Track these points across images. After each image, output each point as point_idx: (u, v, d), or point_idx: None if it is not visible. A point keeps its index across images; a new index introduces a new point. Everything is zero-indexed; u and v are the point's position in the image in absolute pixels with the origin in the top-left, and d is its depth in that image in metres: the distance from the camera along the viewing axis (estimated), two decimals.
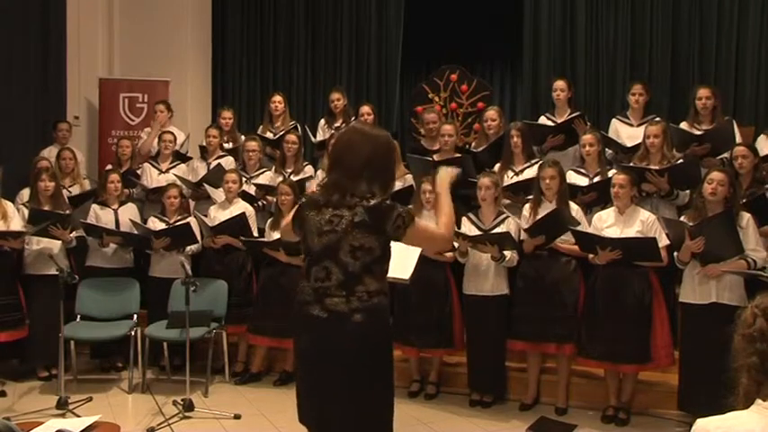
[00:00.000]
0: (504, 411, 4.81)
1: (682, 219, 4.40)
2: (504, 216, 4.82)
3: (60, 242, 5.36)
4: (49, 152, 6.39)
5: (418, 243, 2.69)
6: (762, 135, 5.19)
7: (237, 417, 4.62)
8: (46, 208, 5.35)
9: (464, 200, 5.34)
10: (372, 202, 2.50)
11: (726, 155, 4.90)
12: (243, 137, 6.54)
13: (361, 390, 2.52)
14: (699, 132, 5.07)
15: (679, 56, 6.38)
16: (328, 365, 2.51)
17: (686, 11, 6.35)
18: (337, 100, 6.43)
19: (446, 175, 2.79)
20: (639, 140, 5.10)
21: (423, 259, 4.39)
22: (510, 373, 4.99)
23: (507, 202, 5.16)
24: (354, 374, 2.51)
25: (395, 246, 4.34)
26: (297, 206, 2.76)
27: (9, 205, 5.27)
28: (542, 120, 5.79)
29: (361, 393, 2.53)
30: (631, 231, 4.44)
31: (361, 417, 2.54)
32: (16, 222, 5.21)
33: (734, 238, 4.04)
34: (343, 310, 2.50)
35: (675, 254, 4.27)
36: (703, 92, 5.21)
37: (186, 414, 4.60)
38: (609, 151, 5.39)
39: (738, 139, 5.06)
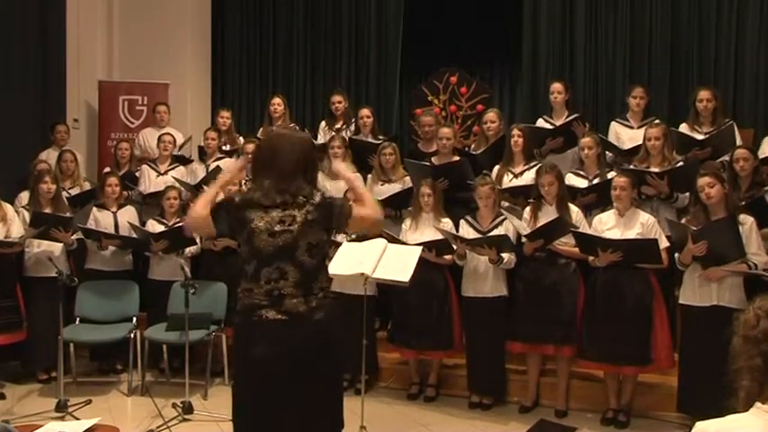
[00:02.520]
0: (503, 413, 4.80)
1: (683, 221, 4.40)
2: (501, 218, 4.82)
3: (62, 244, 5.37)
4: (47, 155, 6.39)
5: (356, 228, 2.85)
6: (766, 138, 5.18)
7: None
8: (47, 210, 5.36)
9: (462, 202, 5.35)
10: (317, 199, 2.61)
11: (726, 157, 4.90)
12: (241, 138, 6.54)
13: (322, 385, 2.58)
14: (700, 137, 5.07)
15: (678, 58, 6.38)
16: (291, 368, 2.52)
17: (685, 13, 6.35)
18: (338, 102, 6.43)
19: (341, 165, 3.06)
20: (640, 142, 5.10)
21: (422, 261, 4.39)
22: (510, 376, 4.99)
23: (507, 204, 5.16)
24: (316, 372, 2.54)
25: (394, 248, 4.35)
26: (224, 203, 2.70)
27: (9, 208, 5.28)
28: (540, 122, 5.79)
29: (322, 388, 2.58)
30: (632, 233, 4.44)
31: (321, 411, 2.59)
32: (16, 225, 5.22)
33: (736, 242, 4.03)
34: (302, 310, 2.54)
35: (676, 255, 4.27)
36: (704, 94, 5.20)
37: (185, 417, 4.60)
38: (609, 154, 5.39)
39: (739, 141, 5.06)
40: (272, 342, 2.53)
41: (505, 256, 4.67)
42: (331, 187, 4.97)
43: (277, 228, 2.55)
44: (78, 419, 4.17)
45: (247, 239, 2.60)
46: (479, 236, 4.77)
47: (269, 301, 2.54)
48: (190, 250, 5.53)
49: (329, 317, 2.59)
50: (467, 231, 4.85)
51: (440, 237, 4.80)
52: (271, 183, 2.61)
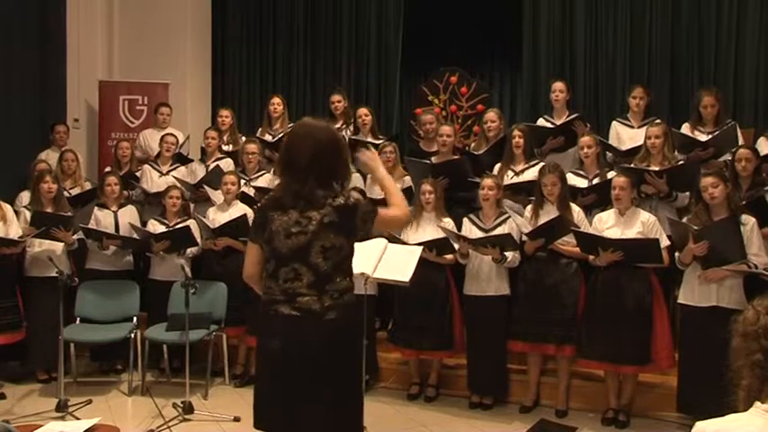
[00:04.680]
0: (504, 413, 4.80)
1: (684, 221, 4.40)
2: (505, 216, 4.82)
3: (63, 244, 5.37)
4: (47, 155, 6.40)
5: (382, 228, 2.73)
6: (762, 137, 5.19)
7: (237, 419, 4.61)
8: (48, 210, 5.36)
9: (463, 202, 5.35)
10: (338, 201, 2.55)
11: (727, 157, 4.90)
12: (243, 138, 6.54)
13: (334, 387, 2.55)
14: (703, 137, 5.07)
15: (678, 57, 6.37)
16: (301, 365, 2.52)
17: (685, 13, 6.34)
18: (338, 102, 6.43)
19: (371, 156, 2.91)
20: (640, 142, 5.10)
21: (423, 261, 4.39)
22: (510, 375, 4.99)
23: (508, 202, 5.16)
24: (329, 373, 2.53)
25: (394, 248, 4.34)
26: (258, 209, 2.77)
27: (9, 208, 5.28)
28: (540, 122, 5.80)
29: (334, 391, 2.55)
30: (632, 233, 4.44)
31: (335, 415, 2.57)
32: (15, 226, 5.22)
33: (738, 243, 4.03)
34: (315, 308, 2.53)
35: (677, 254, 4.26)
36: (708, 100, 5.16)
37: (186, 416, 4.60)
38: (609, 154, 5.39)
39: (741, 141, 5.06)
40: (283, 335, 2.56)
41: (509, 254, 4.67)
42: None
43: (293, 229, 2.55)
44: (78, 419, 4.17)
45: (268, 239, 2.61)
46: (482, 234, 4.77)
47: (284, 298, 2.57)
48: (191, 250, 5.53)
49: (343, 318, 2.57)
50: (469, 229, 4.85)
51: (441, 236, 4.79)
52: (287, 183, 2.62)
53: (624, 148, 5.30)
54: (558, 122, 5.62)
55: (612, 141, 5.44)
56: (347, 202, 2.56)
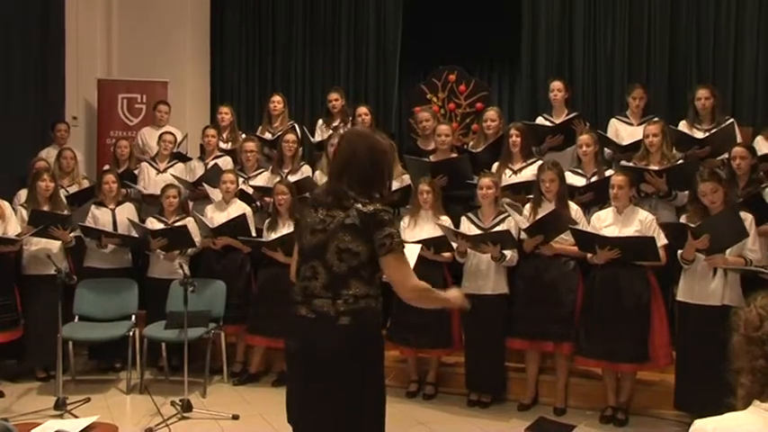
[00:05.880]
0: (502, 411, 4.81)
1: (682, 220, 4.40)
2: (504, 215, 4.83)
3: (59, 242, 5.37)
4: (47, 153, 6.39)
5: (389, 273, 2.51)
6: (759, 136, 5.20)
7: (236, 417, 4.62)
8: (45, 208, 5.36)
9: (461, 201, 5.34)
10: (369, 208, 2.49)
11: (726, 155, 4.90)
12: (243, 135, 6.54)
13: (346, 393, 2.49)
14: (700, 135, 5.07)
15: (677, 56, 6.38)
16: (313, 367, 2.51)
17: (684, 11, 6.34)
18: (335, 100, 6.42)
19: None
20: (639, 138, 5.10)
21: (420, 260, 4.39)
22: (509, 373, 4.99)
23: (507, 201, 5.16)
24: (339, 377, 2.49)
25: None
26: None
27: (7, 206, 5.27)
28: (539, 120, 5.80)
29: (346, 397, 2.50)
30: (630, 231, 4.44)
31: (346, 422, 2.51)
32: (14, 224, 5.21)
33: (739, 226, 4.01)
34: (329, 312, 2.50)
35: (679, 252, 4.25)
36: (702, 92, 5.20)
37: (184, 414, 4.60)
38: (607, 151, 5.40)
39: (739, 139, 5.06)
40: (299, 337, 2.56)
41: (508, 253, 4.67)
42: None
43: (317, 226, 2.55)
44: (77, 417, 4.16)
45: (299, 236, 2.66)
46: (481, 233, 4.77)
47: (302, 299, 2.56)
48: (193, 250, 5.54)
49: (357, 324, 2.49)
50: (468, 228, 4.85)
51: (438, 234, 4.79)
52: (327, 183, 2.70)
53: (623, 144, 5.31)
54: (557, 121, 5.62)
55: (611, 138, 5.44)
56: (377, 213, 2.47)
